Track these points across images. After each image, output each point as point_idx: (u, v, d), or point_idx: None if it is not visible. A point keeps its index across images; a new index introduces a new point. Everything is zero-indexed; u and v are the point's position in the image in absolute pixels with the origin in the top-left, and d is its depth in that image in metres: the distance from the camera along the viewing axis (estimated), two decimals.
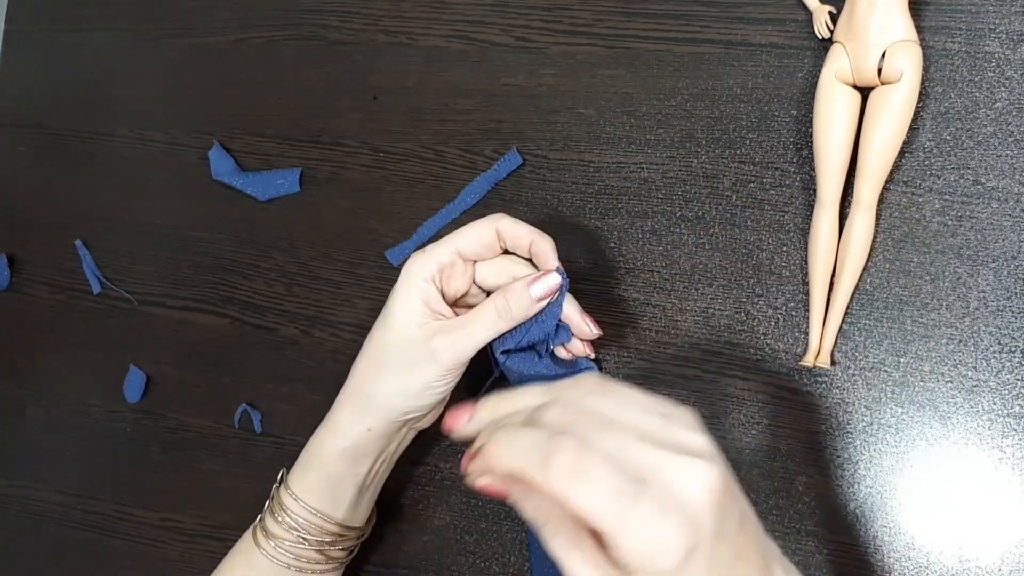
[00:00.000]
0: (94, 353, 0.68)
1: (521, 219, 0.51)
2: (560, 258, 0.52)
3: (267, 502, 0.53)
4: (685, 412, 0.35)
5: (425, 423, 0.54)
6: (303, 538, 0.51)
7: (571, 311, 0.51)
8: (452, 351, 0.48)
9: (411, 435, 0.55)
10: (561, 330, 0.51)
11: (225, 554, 0.54)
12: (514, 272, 0.51)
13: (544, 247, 0.50)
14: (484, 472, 0.35)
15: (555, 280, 0.48)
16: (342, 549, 0.53)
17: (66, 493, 0.67)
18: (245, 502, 0.63)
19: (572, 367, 0.52)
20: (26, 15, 0.73)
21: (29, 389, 0.69)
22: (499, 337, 0.49)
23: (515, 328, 0.50)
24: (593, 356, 0.52)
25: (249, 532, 0.53)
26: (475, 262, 0.51)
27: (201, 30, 0.68)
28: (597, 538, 0.33)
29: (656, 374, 0.56)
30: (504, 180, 0.60)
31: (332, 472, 0.51)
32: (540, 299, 0.49)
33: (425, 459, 0.60)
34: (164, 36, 0.69)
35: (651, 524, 0.31)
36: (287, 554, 0.51)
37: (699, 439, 0.34)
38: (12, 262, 0.71)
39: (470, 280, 0.51)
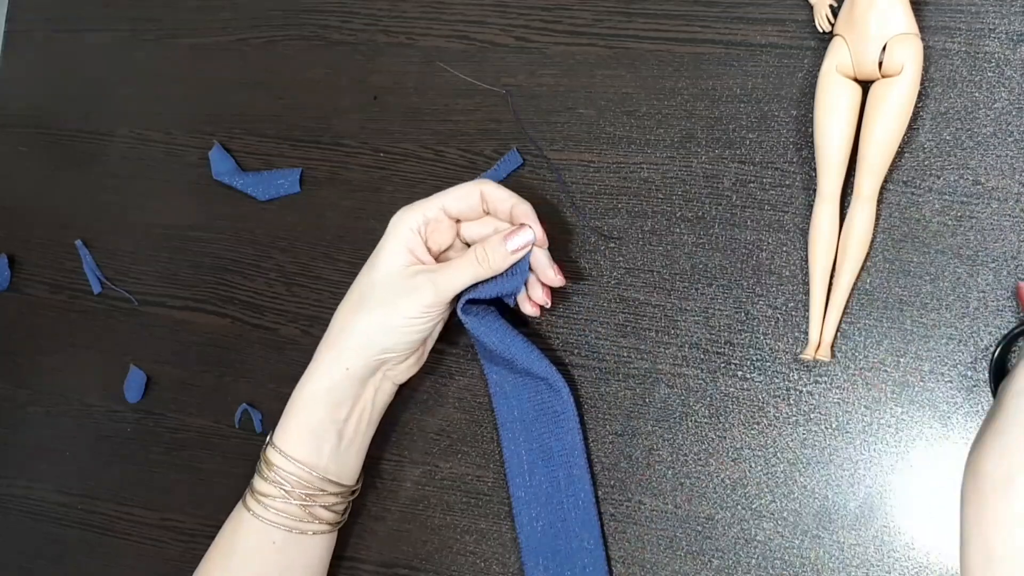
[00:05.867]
0: (94, 353, 0.68)
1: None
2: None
3: (256, 466, 0.54)
4: None
5: (400, 373, 0.55)
6: (287, 492, 0.52)
7: (541, 256, 0.53)
8: (433, 288, 0.51)
9: (387, 387, 0.55)
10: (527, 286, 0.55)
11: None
12: (497, 227, 0.54)
13: (524, 210, 0.52)
14: None
15: (529, 235, 0.52)
16: (328, 508, 0.53)
17: (66, 493, 0.67)
18: None
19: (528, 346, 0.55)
20: (26, 15, 0.73)
21: (29, 389, 0.69)
22: (473, 286, 0.53)
23: (488, 280, 0.53)
24: (549, 304, 0.55)
25: (240, 502, 0.54)
26: (459, 221, 0.54)
27: (201, 30, 0.68)
28: None
29: (656, 374, 0.56)
30: (504, 180, 0.60)
31: (312, 418, 0.53)
32: (515, 251, 0.52)
33: (425, 459, 0.60)
34: (164, 36, 0.69)
35: None
36: (272, 511, 0.52)
37: None
38: (12, 262, 0.71)
39: (453, 236, 0.55)
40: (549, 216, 0.59)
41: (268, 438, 0.54)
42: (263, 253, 0.65)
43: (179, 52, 0.68)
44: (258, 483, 0.53)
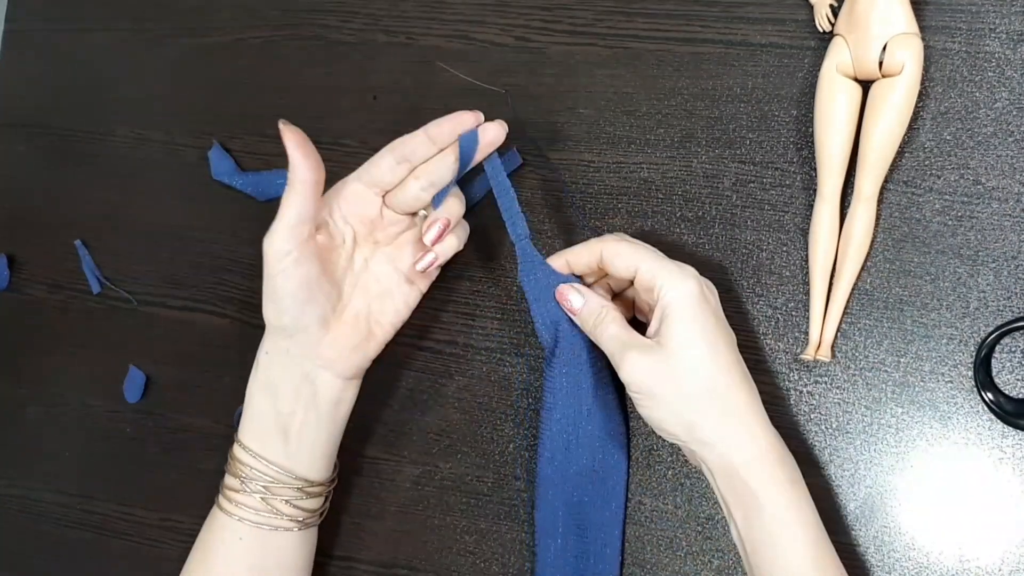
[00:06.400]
0: (94, 353, 0.68)
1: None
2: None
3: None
4: None
5: (333, 356, 0.52)
6: (245, 481, 0.52)
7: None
8: (284, 213, 0.50)
9: (328, 379, 0.53)
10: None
11: None
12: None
13: (445, 130, 0.52)
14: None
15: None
16: (291, 503, 0.53)
17: (66, 493, 0.67)
18: None
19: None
20: (26, 15, 0.73)
21: (29, 389, 0.69)
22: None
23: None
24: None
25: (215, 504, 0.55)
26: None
27: (201, 30, 0.68)
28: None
29: None
30: None
31: (253, 409, 0.53)
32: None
33: (425, 459, 0.60)
34: (164, 36, 0.69)
35: (682, 275, 0.48)
36: (238, 506, 0.52)
37: None
38: (12, 262, 0.71)
39: (379, 204, 0.54)
40: (549, 216, 0.59)
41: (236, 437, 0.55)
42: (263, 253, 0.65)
43: (179, 52, 0.68)
44: (228, 480, 0.53)
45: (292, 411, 0.53)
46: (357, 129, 0.63)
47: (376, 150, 0.58)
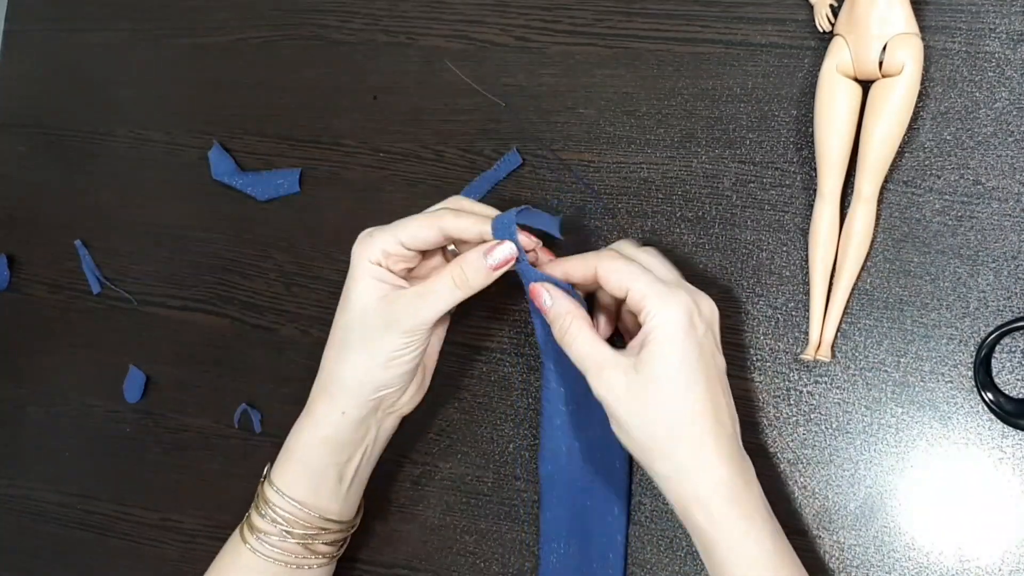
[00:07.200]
0: (94, 353, 0.68)
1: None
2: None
3: (254, 498, 0.53)
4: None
5: (403, 405, 0.53)
6: (287, 531, 0.51)
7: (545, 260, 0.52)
8: (411, 318, 0.48)
9: (391, 421, 0.54)
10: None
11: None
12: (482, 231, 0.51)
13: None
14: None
15: (509, 248, 0.48)
16: (327, 543, 0.53)
17: (66, 493, 0.67)
18: (245, 502, 0.62)
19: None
20: (26, 15, 0.73)
21: (29, 389, 0.69)
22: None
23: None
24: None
25: (236, 532, 0.53)
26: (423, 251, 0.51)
27: (201, 30, 0.68)
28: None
29: None
30: (504, 180, 0.60)
31: (312, 463, 0.51)
32: (497, 268, 0.49)
33: (425, 459, 0.60)
34: (164, 36, 0.69)
35: (671, 301, 0.46)
36: (273, 548, 0.51)
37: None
38: (12, 262, 0.71)
39: (418, 260, 0.52)
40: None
41: (265, 472, 0.54)
42: (263, 253, 0.65)
43: (179, 52, 0.68)
44: (256, 519, 0.52)
45: (350, 459, 0.52)
46: (357, 129, 0.63)
47: (376, 150, 0.58)
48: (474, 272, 0.49)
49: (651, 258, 0.50)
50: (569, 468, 0.54)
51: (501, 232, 0.49)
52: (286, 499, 0.51)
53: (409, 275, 0.52)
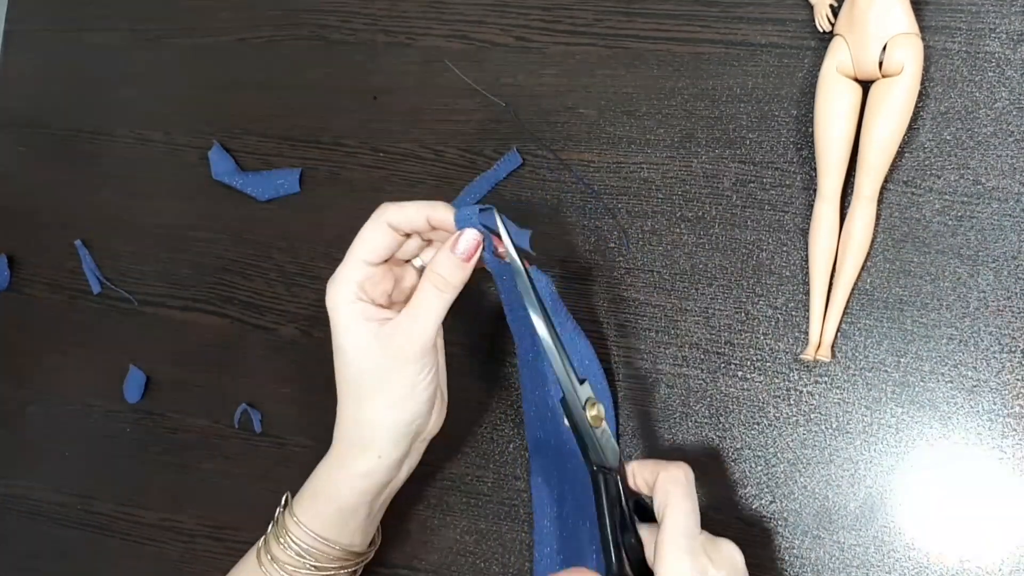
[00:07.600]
0: (94, 353, 0.68)
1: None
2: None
3: (271, 525, 0.52)
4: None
5: (432, 428, 0.52)
6: (314, 567, 0.50)
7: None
8: (414, 343, 0.47)
9: (422, 448, 0.53)
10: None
11: (225, 560, 0.54)
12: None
13: (441, 214, 0.48)
14: None
15: (472, 235, 0.47)
16: (348, 571, 0.52)
17: (66, 493, 0.67)
18: (245, 502, 0.63)
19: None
20: (26, 15, 0.73)
21: (29, 389, 0.69)
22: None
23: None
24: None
25: (252, 553, 0.52)
26: (388, 260, 0.50)
27: (201, 30, 0.68)
28: None
29: (656, 374, 0.56)
30: (504, 180, 0.60)
31: (344, 505, 0.50)
32: (467, 258, 0.48)
33: (426, 460, 0.60)
34: (164, 36, 0.69)
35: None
36: (286, 572, 0.50)
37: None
38: (12, 262, 0.71)
39: (391, 278, 0.50)
40: (549, 217, 0.59)
41: (285, 501, 0.53)
42: (263, 253, 0.65)
43: (179, 52, 0.68)
44: (275, 548, 0.51)
45: (379, 495, 0.52)
46: (357, 129, 0.63)
47: (376, 150, 0.58)
48: (448, 269, 0.48)
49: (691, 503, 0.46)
50: (547, 468, 0.55)
51: (463, 223, 0.48)
52: (309, 533, 0.50)
53: (390, 301, 0.51)
